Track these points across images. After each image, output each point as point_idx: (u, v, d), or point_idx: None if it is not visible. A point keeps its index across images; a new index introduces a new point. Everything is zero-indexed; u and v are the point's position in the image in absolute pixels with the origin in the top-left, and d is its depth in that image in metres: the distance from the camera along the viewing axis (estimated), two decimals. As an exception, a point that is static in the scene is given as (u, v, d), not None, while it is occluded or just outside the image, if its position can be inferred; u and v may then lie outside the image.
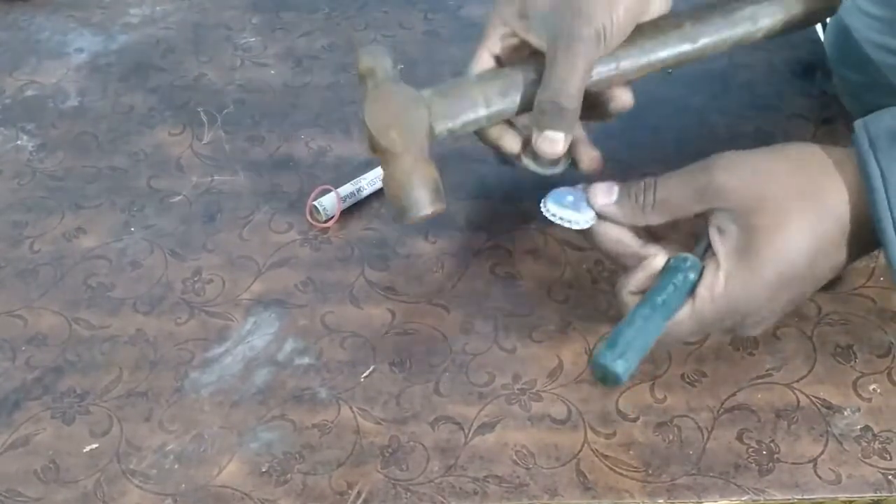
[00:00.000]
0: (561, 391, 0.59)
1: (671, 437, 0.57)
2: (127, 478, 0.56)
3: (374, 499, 0.55)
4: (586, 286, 0.64)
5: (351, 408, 0.59)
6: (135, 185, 0.73)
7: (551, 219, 0.56)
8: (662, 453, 0.56)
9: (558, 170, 0.62)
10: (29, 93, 0.81)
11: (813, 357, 0.60)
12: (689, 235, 0.55)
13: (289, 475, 0.56)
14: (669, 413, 0.58)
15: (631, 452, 0.56)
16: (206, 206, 0.71)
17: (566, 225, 0.55)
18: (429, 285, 0.65)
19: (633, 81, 0.63)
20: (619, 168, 0.69)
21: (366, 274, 0.66)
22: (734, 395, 0.58)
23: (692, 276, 0.52)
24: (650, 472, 0.55)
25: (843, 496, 0.54)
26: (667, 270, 0.53)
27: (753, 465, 0.55)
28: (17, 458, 0.57)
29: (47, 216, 0.71)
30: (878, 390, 0.58)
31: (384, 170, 0.60)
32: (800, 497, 0.54)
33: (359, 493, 0.55)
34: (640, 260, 0.54)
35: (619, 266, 0.56)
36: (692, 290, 0.52)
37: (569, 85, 0.58)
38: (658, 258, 0.54)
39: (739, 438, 0.57)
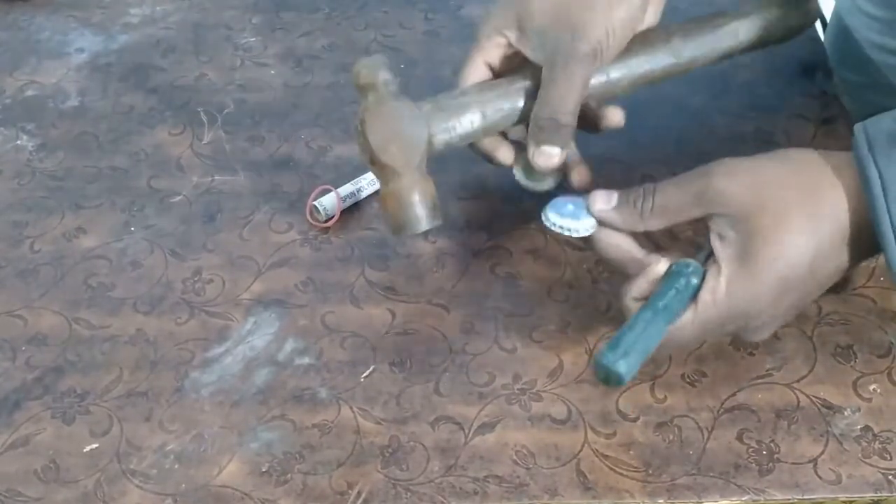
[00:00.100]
0: (561, 391, 0.59)
1: (671, 437, 0.57)
2: (127, 478, 0.56)
3: (375, 499, 0.55)
4: (586, 286, 0.64)
5: (351, 408, 0.59)
6: (135, 185, 0.73)
7: (553, 228, 0.56)
8: (663, 453, 0.56)
9: (548, 186, 0.63)
10: (29, 93, 0.81)
11: (813, 357, 0.60)
12: (689, 244, 0.55)
13: (289, 475, 0.56)
14: (670, 413, 0.58)
15: (631, 452, 0.56)
16: (206, 206, 0.71)
17: (567, 234, 0.56)
18: (429, 285, 0.65)
19: (623, 93, 0.64)
20: (620, 168, 0.69)
21: (366, 274, 0.66)
22: (734, 395, 0.58)
23: (694, 281, 0.52)
24: (650, 472, 0.55)
25: (843, 496, 0.54)
26: (669, 276, 0.53)
27: (754, 465, 0.55)
28: (18, 458, 0.57)
29: (47, 216, 0.71)
30: (879, 390, 0.58)
31: (382, 185, 0.60)
32: (800, 497, 0.54)
33: (359, 493, 0.55)
34: (642, 267, 0.54)
35: (621, 273, 0.56)
36: (694, 296, 0.52)
37: (567, 102, 0.59)
38: (660, 264, 0.54)
39: (739, 438, 0.57)
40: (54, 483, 0.56)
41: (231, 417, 0.59)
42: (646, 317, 0.51)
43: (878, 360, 0.60)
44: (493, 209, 0.69)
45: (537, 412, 0.58)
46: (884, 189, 0.49)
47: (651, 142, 0.73)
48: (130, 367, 0.61)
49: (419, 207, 0.59)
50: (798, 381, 0.59)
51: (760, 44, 0.66)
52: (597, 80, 0.61)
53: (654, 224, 0.54)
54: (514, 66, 0.63)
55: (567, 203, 0.57)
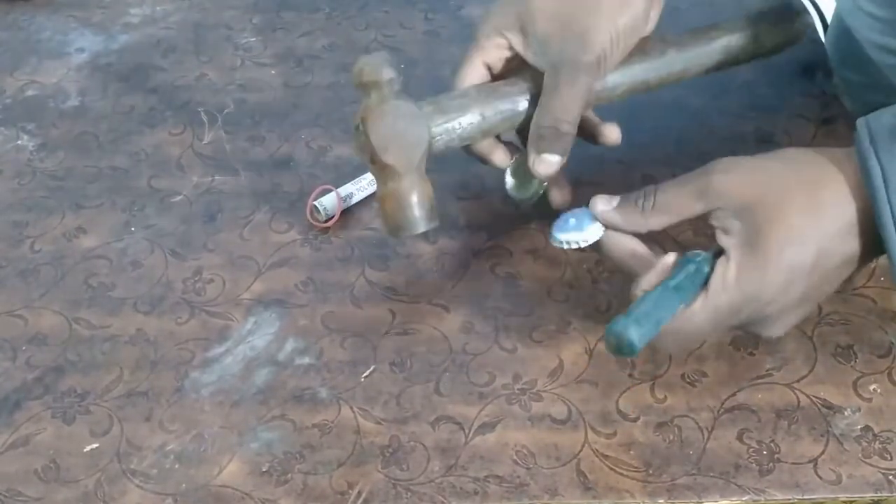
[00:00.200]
0: (561, 391, 0.59)
1: (671, 437, 0.57)
2: (127, 477, 0.56)
3: (375, 499, 0.55)
4: (586, 286, 0.64)
5: (351, 408, 0.59)
6: (135, 185, 0.73)
7: (563, 246, 0.57)
8: (663, 453, 0.56)
9: (531, 198, 0.65)
10: (29, 92, 0.81)
11: (813, 357, 0.60)
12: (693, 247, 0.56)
13: (289, 475, 0.56)
14: (670, 413, 0.58)
15: (631, 452, 0.56)
16: (206, 205, 0.71)
17: (577, 246, 0.56)
18: (429, 285, 0.65)
19: (618, 100, 0.64)
20: (620, 168, 0.69)
21: (366, 274, 0.66)
22: (734, 395, 0.58)
23: (705, 268, 0.52)
24: (650, 472, 0.55)
25: (843, 496, 0.54)
26: (679, 264, 0.53)
27: (754, 465, 0.55)
28: (18, 458, 0.57)
29: (48, 216, 0.71)
30: (879, 390, 0.58)
31: (381, 186, 0.60)
32: (800, 497, 0.54)
33: (359, 493, 0.55)
34: (650, 266, 0.54)
35: (627, 275, 0.56)
36: (705, 284, 0.52)
37: (569, 112, 0.59)
38: (669, 257, 0.54)
39: (740, 438, 0.57)
40: (54, 483, 0.56)
41: (231, 417, 0.59)
42: (657, 292, 0.52)
43: (878, 360, 0.60)
44: (493, 209, 0.69)
45: (537, 412, 0.58)
46: (885, 181, 0.49)
47: (651, 142, 0.73)
48: (131, 367, 0.61)
49: (417, 209, 0.59)
50: (798, 381, 0.59)
51: (750, 57, 0.67)
52: (595, 86, 0.62)
53: (657, 222, 0.54)
54: (512, 67, 0.63)
55: (568, 218, 0.57)
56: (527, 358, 0.61)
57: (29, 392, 0.60)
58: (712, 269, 0.52)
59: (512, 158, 0.64)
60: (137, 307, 0.64)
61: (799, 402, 0.58)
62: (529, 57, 0.61)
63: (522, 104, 0.61)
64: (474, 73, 0.62)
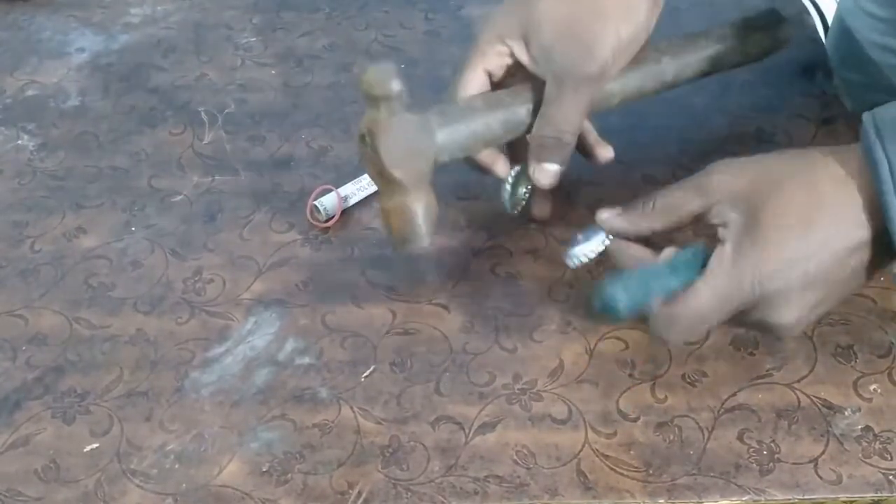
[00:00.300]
0: (561, 391, 0.59)
1: (672, 437, 0.57)
2: (127, 477, 0.56)
3: (375, 499, 0.55)
4: (586, 286, 0.64)
5: (351, 407, 0.59)
6: (136, 185, 0.73)
7: (575, 262, 0.57)
8: (663, 453, 0.56)
9: (518, 209, 0.65)
10: (30, 92, 0.81)
11: (813, 357, 0.60)
12: None
13: (289, 475, 0.56)
14: (670, 413, 0.58)
15: (631, 452, 0.56)
16: (206, 205, 0.71)
17: (588, 259, 0.57)
18: (429, 285, 0.65)
19: (614, 108, 0.65)
20: (620, 168, 0.69)
21: (366, 274, 0.66)
22: (735, 395, 0.58)
23: (703, 255, 0.53)
24: (651, 472, 0.55)
25: (843, 496, 0.54)
26: (676, 253, 0.54)
27: (754, 465, 0.55)
28: (18, 458, 0.57)
29: (48, 216, 0.71)
30: (879, 390, 0.58)
31: (387, 199, 0.59)
32: (800, 497, 0.54)
33: (359, 493, 0.55)
34: None
35: None
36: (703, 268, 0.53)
37: (571, 122, 0.60)
38: (668, 251, 0.54)
39: (740, 438, 0.57)
40: (55, 483, 0.56)
41: (231, 417, 0.59)
42: (652, 267, 0.53)
43: (878, 360, 0.60)
44: (493, 209, 0.69)
45: (538, 412, 0.58)
46: (892, 173, 0.49)
47: (651, 142, 0.73)
48: (131, 367, 0.61)
49: (424, 222, 0.59)
50: (798, 381, 0.59)
51: (738, 63, 0.68)
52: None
53: (658, 222, 0.55)
54: (512, 73, 0.63)
55: (576, 234, 0.58)
56: (527, 358, 0.61)
57: (29, 392, 0.60)
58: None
59: (511, 168, 0.64)
60: (137, 307, 0.64)
61: (799, 402, 0.58)
62: (531, 65, 0.61)
63: (524, 114, 0.61)
64: (476, 79, 0.62)
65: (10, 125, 0.78)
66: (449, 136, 0.59)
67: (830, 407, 0.58)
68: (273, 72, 0.82)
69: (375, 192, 0.71)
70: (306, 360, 0.61)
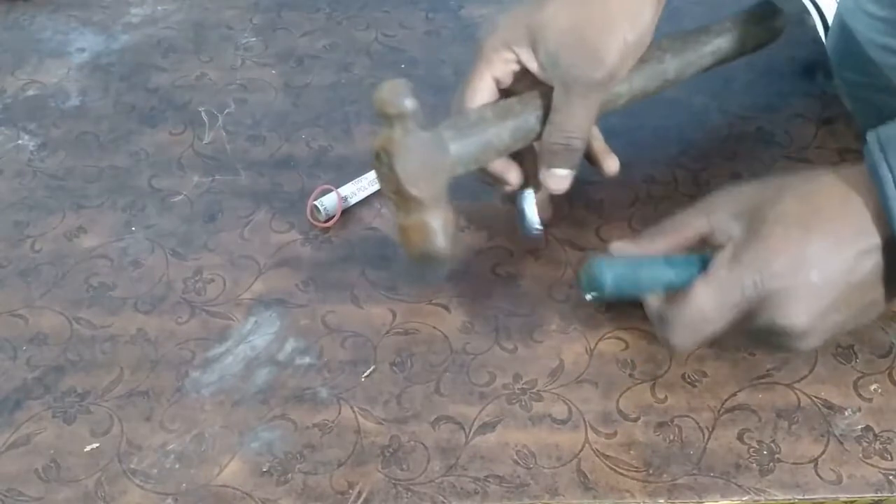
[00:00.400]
0: (562, 391, 0.59)
1: (672, 436, 0.57)
2: (128, 477, 0.56)
3: (375, 498, 0.55)
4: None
5: (352, 407, 0.59)
6: (136, 185, 0.73)
7: (592, 297, 0.57)
8: (663, 453, 0.56)
9: (538, 233, 0.65)
10: (30, 92, 0.81)
11: (814, 357, 0.60)
12: None
13: (289, 475, 0.56)
14: (670, 413, 0.58)
15: (632, 452, 0.56)
16: (207, 205, 0.71)
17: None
18: (429, 285, 0.65)
19: (620, 109, 0.65)
20: (620, 168, 0.69)
21: (367, 274, 0.66)
22: (735, 395, 0.58)
23: (702, 259, 0.53)
24: (651, 471, 0.55)
25: (843, 496, 0.54)
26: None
27: (754, 465, 0.55)
28: (19, 458, 0.57)
29: (48, 216, 0.71)
30: (879, 390, 0.58)
31: (405, 216, 0.59)
32: (801, 497, 0.54)
33: (359, 493, 0.55)
34: None
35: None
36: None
37: (581, 128, 0.60)
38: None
39: (740, 438, 0.57)
40: (55, 482, 0.56)
41: (232, 417, 0.59)
42: (649, 257, 0.53)
43: (878, 360, 0.60)
44: (494, 209, 0.69)
45: (538, 412, 0.58)
46: None
47: (651, 142, 0.73)
48: (131, 367, 0.61)
49: (443, 238, 0.59)
50: (799, 381, 0.59)
51: (735, 57, 0.69)
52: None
53: (666, 243, 0.55)
54: (519, 80, 0.62)
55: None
56: (527, 358, 0.61)
57: (29, 392, 0.60)
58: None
59: (523, 177, 0.64)
60: (138, 307, 0.65)
61: (799, 402, 0.58)
62: (539, 72, 0.61)
63: (534, 121, 0.61)
64: (484, 88, 0.62)
65: (11, 125, 0.78)
66: (462, 149, 0.59)
67: (830, 407, 0.58)
68: (273, 72, 0.82)
69: (375, 192, 0.71)
70: (306, 359, 0.61)
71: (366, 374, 0.60)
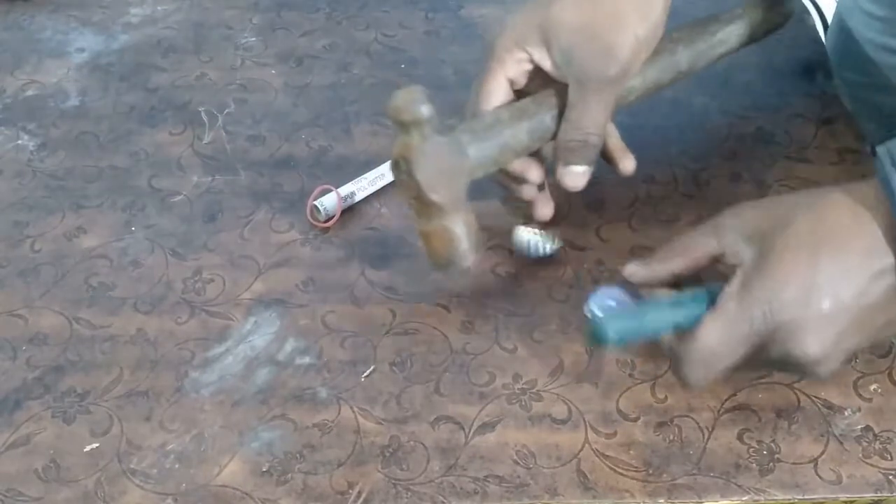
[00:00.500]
0: (561, 391, 0.59)
1: (672, 436, 0.57)
2: (127, 477, 0.56)
3: (375, 498, 0.55)
4: (587, 286, 0.64)
5: (351, 407, 0.59)
6: (136, 185, 0.73)
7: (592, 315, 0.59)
8: (663, 453, 0.56)
9: (550, 251, 0.65)
10: (30, 92, 0.81)
11: (813, 357, 0.60)
12: None
13: (289, 475, 0.56)
14: (670, 413, 0.58)
15: (631, 452, 0.56)
16: (206, 205, 0.71)
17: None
18: (429, 285, 0.65)
19: (633, 103, 0.65)
20: (620, 168, 0.69)
21: (366, 274, 0.66)
22: (735, 395, 0.58)
23: (708, 294, 0.52)
24: (651, 471, 0.55)
25: (843, 496, 0.54)
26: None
27: (754, 464, 0.55)
28: (18, 458, 0.57)
29: (48, 216, 0.71)
30: (879, 390, 0.58)
31: (426, 222, 0.59)
32: (800, 497, 0.54)
33: (359, 493, 0.55)
34: None
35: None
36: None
37: (597, 124, 0.60)
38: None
39: (740, 438, 0.57)
40: (55, 482, 0.56)
41: (231, 417, 0.59)
42: (652, 300, 0.53)
43: (878, 360, 0.60)
44: (494, 209, 0.69)
45: (538, 412, 0.58)
46: None
47: (651, 142, 0.73)
48: (131, 367, 0.61)
49: (466, 242, 0.59)
50: (799, 381, 0.59)
51: (745, 44, 0.69)
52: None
53: (676, 265, 0.55)
54: (532, 79, 0.62)
55: (608, 298, 0.59)
56: (527, 358, 0.61)
57: (29, 392, 0.60)
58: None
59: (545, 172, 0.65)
60: (138, 307, 0.64)
61: (799, 402, 0.58)
62: (552, 70, 0.61)
63: (550, 120, 0.61)
64: (498, 89, 0.62)
65: (10, 125, 0.78)
66: (480, 152, 0.59)
67: (830, 407, 0.58)
68: (273, 72, 0.82)
69: (375, 192, 0.71)
70: (306, 359, 0.61)
71: (365, 374, 0.60)
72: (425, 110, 0.57)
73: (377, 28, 0.86)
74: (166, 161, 0.74)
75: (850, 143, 0.72)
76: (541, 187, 0.66)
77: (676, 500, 0.54)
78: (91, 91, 0.81)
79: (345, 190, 0.70)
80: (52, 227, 0.70)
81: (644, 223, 0.68)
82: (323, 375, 0.60)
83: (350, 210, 0.70)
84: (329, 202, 0.69)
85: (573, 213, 0.69)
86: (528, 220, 0.67)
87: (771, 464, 0.55)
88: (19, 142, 0.77)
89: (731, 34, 0.67)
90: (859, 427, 0.57)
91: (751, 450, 0.56)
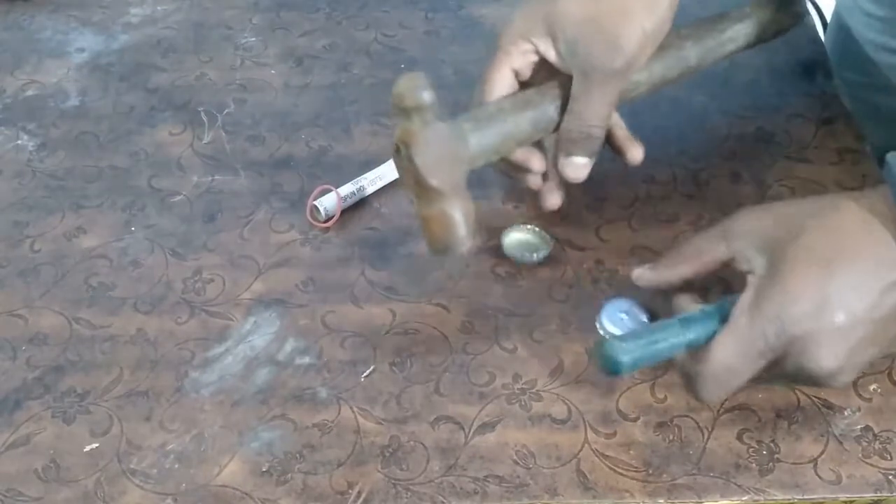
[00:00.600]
0: (561, 391, 0.59)
1: (671, 436, 0.57)
2: (127, 477, 0.56)
3: (375, 498, 0.55)
4: (586, 286, 0.64)
5: (351, 407, 0.59)
6: (135, 185, 0.73)
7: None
8: (663, 453, 0.56)
9: (538, 259, 0.65)
10: (30, 92, 0.81)
11: (813, 357, 0.60)
12: None
13: (289, 475, 0.56)
14: (670, 413, 0.58)
15: (631, 452, 0.56)
16: (206, 205, 0.71)
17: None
18: (429, 285, 0.65)
19: (639, 98, 0.65)
20: (620, 168, 0.69)
21: (366, 273, 0.66)
22: (734, 394, 0.58)
23: (725, 308, 0.52)
24: (650, 471, 0.55)
25: (843, 496, 0.54)
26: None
27: (754, 464, 0.55)
28: (18, 458, 0.57)
29: (48, 216, 0.71)
30: (879, 390, 0.58)
31: (425, 207, 0.59)
32: (800, 497, 0.54)
33: (359, 493, 0.55)
34: None
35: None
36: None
37: (600, 116, 0.60)
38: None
39: (740, 438, 0.57)
40: (55, 482, 0.56)
41: (231, 417, 0.59)
42: (660, 322, 0.53)
43: (878, 360, 0.60)
44: (494, 209, 0.69)
45: (537, 412, 0.58)
46: None
47: (651, 142, 0.73)
48: (131, 367, 0.61)
49: (463, 228, 0.59)
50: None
51: (754, 44, 0.69)
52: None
53: (686, 269, 0.55)
54: (538, 71, 0.63)
55: (618, 311, 0.60)
56: (527, 358, 0.61)
57: (29, 392, 0.60)
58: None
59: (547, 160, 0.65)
60: (137, 307, 0.64)
61: (799, 401, 0.58)
62: (557, 62, 0.61)
63: (553, 111, 0.61)
64: (503, 80, 0.62)
65: (10, 125, 0.78)
66: (481, 140, 0.60)
67: (830, 407, 0.58)
68: (273, 72, 0.82)
69: (375, 192, 0.71)
70: (306, 359, 0.61)
71: (365, 374, 0.60)
72: (427, 96, 0.57)
73: (377, 28, 0.86)
74: (166, 161, 0.74)
75: (849, 143, 0.72)
76: (544, 177, 0.65)
77: (676, 500, 0.54)
78: (91, 91, 0.81)
79: (345, 190, 0.70)
80: (51, 227, 0.70)
81: (644, 223, 0.68)
82: (323, 375, 0.60)
83: (350, 210, 0.70)
84: (329, 202, 0.69)
85: (573, 212, 0.69)
86: (528, 220, 0.67)
87: (771, 464, 0.55)
88: (19, 142, 0.77)
89: (739, 32, 0.67)
90: (859, 427, 0.57)
91: (750, 450, 0.56)
